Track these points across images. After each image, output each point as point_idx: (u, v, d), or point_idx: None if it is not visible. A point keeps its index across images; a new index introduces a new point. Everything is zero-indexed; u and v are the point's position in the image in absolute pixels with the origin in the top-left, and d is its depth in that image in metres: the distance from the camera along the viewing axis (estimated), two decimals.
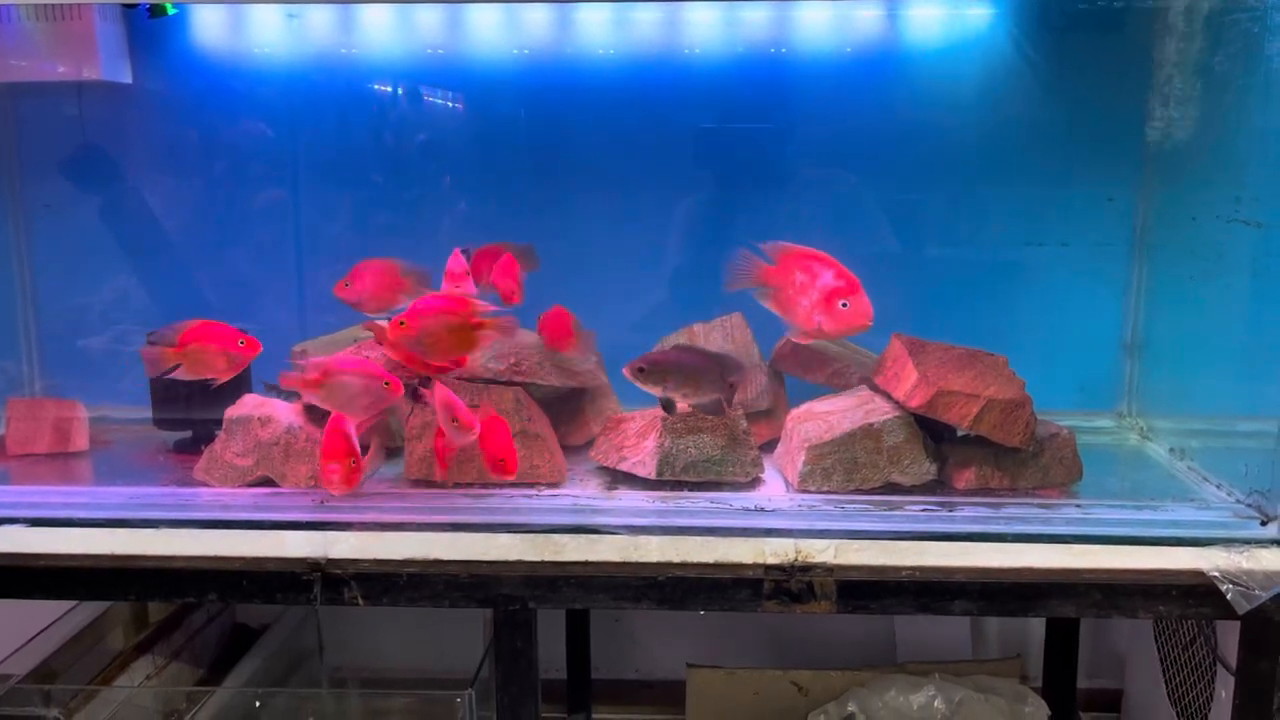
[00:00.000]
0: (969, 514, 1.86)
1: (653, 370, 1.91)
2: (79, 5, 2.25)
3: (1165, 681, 2.41)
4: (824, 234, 2.49)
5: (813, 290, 1.92)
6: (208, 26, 2.44)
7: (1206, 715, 2.19)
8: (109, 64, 2.33)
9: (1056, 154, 2.40)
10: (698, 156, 2.50)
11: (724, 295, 2.23)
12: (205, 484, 2.02)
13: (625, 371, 1.91)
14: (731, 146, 2.50)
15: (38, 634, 2.32)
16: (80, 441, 2.30)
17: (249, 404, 2.04)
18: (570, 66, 2.45)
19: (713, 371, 1.94)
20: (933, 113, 2.42)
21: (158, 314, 2.49)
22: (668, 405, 1.96)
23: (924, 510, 1.87)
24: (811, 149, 2.49)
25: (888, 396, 2.00)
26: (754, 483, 2.01)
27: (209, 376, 1.94)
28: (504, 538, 1.80)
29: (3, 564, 1.83)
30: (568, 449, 2.15)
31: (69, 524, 1.86)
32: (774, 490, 1.99)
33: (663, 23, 2.40)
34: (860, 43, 2.41)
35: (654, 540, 1.78)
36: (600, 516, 1.85)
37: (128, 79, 2.41)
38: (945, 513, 1.86)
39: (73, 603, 2.43)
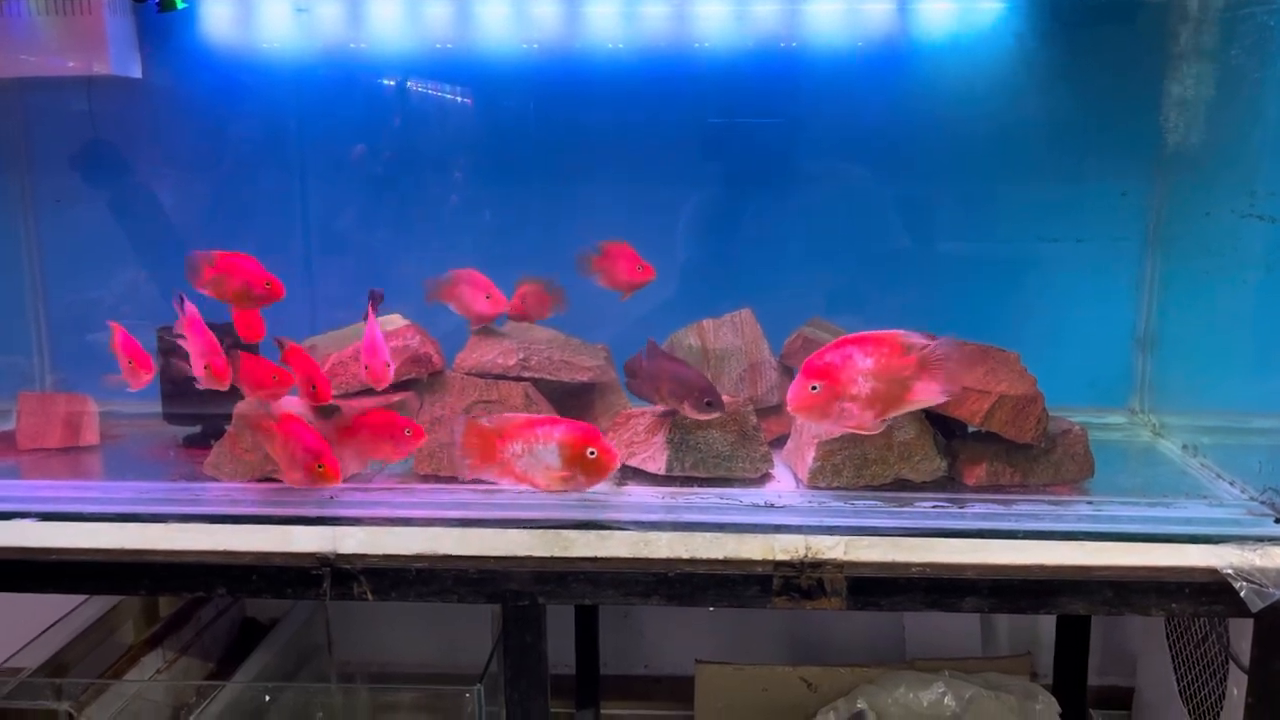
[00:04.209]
0: (980, 510, 1.85)
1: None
2: None
3: (1177, 679, 2.40)
4: (835, 229, 2.50)
5: None
6: (217, 21, 2.44)
7: (1219, 713, 2.17)
8: (119, 59, 2.33)
9: (1070, 148, 2.39)
10: (708, 151, 2.49)
11: (733, 291, 2.22)
12: (215, 479, 2.02)
13: (701, 415, 1.89)
14: (741, 141, 2.49)
15: (49, 627, 2.33)
16: (91, 436, 2.31)
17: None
18: (580, 61, 2.44)
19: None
20: (945, 107, 2.40)
21: (166, 308, 2.49)
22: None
23: (934, 507, 1.86)
24: (822, 143, 2.48)
25: None
26: (764, 479, 2.01)
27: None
28: (513, 533, 1.80)
29: (14, 558, 1.83)
30: None
31: (79, 518, 1.86)
32: (784, 486, 1.98)
33: (671, 16, 2.39)
34: (871, 37, 2.39)
35: (663, 536, 1.78)
36: (609, 512, 1.84)
37: (138, 74, 2.41)
38: (956, 509, 1.85)
39: (83, 597, 2.44)
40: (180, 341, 1.99)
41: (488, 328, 2.18)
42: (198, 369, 1.91)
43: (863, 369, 1.70)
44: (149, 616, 2.57)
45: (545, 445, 1.75)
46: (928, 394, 1.72)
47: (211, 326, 1.98)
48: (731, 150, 2.49)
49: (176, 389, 2.26)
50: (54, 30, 2.28)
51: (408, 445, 1.86)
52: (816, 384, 1.71)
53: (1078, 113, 2.37)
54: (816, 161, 2.49)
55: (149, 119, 2.50)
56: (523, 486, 1.79)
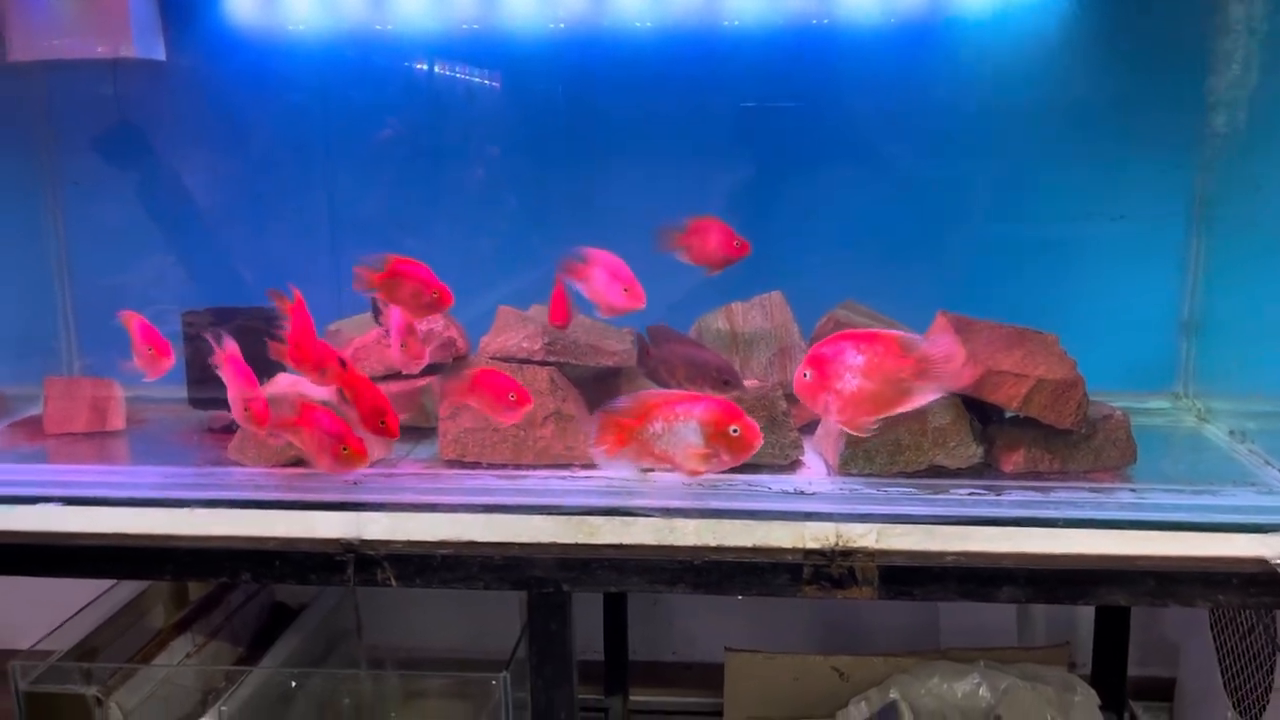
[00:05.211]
0: (1017, 498, 1.80)
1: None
2: None
3: (1221, 670, 2.34)
4: (869, 209, 2.45)
5: None
6: (241, 2, 2.43)
7: (1264, 706, 2.12)
8: (142, 41, 2.32)
9: (1113, 123, 2.31)
10: (738, 132, 2.45)
11: (765, 274, 2.17)
12: (239, 463, 2.02)
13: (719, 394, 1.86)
14: (773, 121, 2.44)
15: (79, 611, 2.34)
16: (117, 421, 2.31)
17: (283, 383, 2.03)
18: (607, 40, 2.41)
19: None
20: (983, 83, 2.34)
21: (192, 291, 2.50)
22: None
23: (970, 494, 1.81)
24: (857, 123, 2.43)
25: None
26: (793, 465, 1.97)
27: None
28: (538, 519, 1.77)
29: (39, 542, 1.84)
30: None
31: (104, 503, 1.86)
32: (814, 473, 1.94)
33: None
34: (907, 13, 2.33)
35: (690, 523, 1.74)
36: (635, 499, 1.81)
37: (161, 56, 2.40)
38: (992, 496, 1.81)
39: (113, 580, 2.45)
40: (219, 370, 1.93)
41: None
42: (236, 410, 1.87)
43: (852, 365, 1.67)
44: (179, 600, 2.58)
45: (686, 423, 1.71)
46: (925, 397, 1.68)
47: (246, 310, 1.96)
48: (764, 130, 2.44)
49: (202, 374, 2.26)
50: (77, 13, 2.28)
51: (515, 410, 1.85)
52: (809, 371, 1.70)
53: (1119, 84, 2.29)
54: (850, 142, 2.44)
55: (173, 101, 2.50)
56: (662, 467, 1.75)
